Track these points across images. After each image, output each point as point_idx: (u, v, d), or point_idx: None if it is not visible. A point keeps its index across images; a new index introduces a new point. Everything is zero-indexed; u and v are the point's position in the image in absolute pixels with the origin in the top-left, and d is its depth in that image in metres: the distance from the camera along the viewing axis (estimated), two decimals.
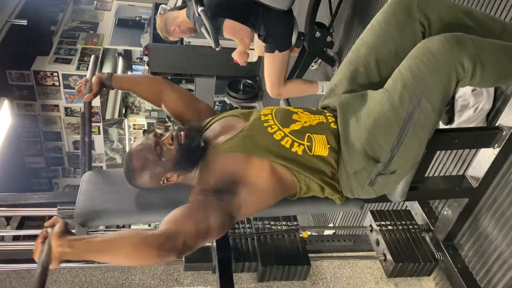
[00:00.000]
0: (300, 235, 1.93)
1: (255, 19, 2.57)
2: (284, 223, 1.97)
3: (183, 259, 1.79)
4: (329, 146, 1.31)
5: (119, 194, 1.41)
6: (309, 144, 1.29)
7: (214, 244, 1.74)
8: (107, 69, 5.30)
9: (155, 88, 1.52)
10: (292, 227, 1.95)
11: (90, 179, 1.48)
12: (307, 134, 1.31)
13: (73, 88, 5.14)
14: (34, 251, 1.06)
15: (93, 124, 5.57)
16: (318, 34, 2.93)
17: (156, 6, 4.84)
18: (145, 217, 1.40)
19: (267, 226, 1.94)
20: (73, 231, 1.18)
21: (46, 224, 1.11)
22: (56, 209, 1.43)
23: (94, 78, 1.44)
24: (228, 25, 2.54)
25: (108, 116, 5.64)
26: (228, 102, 5.03)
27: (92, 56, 1.54)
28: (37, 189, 5.83)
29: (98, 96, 5.35)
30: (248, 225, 1.93)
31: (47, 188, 5.90)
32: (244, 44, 2.72)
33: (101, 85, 1.45)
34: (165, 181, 1.33)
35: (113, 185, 1.46)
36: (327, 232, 2.76)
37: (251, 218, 1.95)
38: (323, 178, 1.32)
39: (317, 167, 1.31)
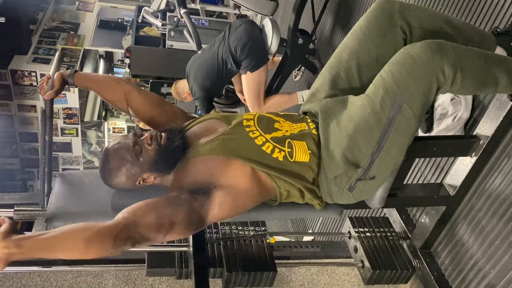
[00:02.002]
0: (268, 240, 1.87)
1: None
2: (252, 228, 1.90)
3: (145, 264, 1.71)
4: (310, 151, 1.30)
5: (93, 196, 1.38)
6: (289, 150, 1.28)
7: (191, 249, 1.71)
8: (87, 70, 5.21)
9: (119, 89, 1.43)
10: (259, 232, 1.89)
11: (64, 180, 1.44)
12: (288, 140, 1.30)
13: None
14: None
15: (71, 126, 5.46)
16: (300, 41, 2.94)
17: (139, 8, 4.81)
18: None
19: (234, 231, 1.88)
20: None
21: None
22: (12, 210, 1.37)
23: (56, 75, 1.34)
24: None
25: (87, 118, 5.53)
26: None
27: (57, 53, 1.46)
28: (11, 191, 5.66)
29: (78, 97, 5.31)
30: (214, 230, 1.86)
31: (21, 190, 5.73)
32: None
33: (63, 82, 1.35)
34: (141, 182, 1.31)
35: (87, 186, 1.42)
36: (306, 238, 2.76)
37: (218, 223, 1.88)
38: (304, 184, 1.31)
39: (298, 173, 1.30)
